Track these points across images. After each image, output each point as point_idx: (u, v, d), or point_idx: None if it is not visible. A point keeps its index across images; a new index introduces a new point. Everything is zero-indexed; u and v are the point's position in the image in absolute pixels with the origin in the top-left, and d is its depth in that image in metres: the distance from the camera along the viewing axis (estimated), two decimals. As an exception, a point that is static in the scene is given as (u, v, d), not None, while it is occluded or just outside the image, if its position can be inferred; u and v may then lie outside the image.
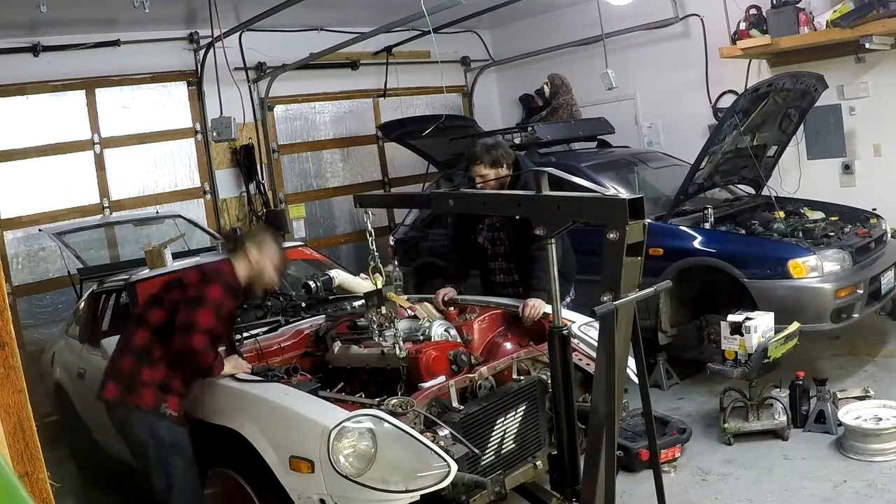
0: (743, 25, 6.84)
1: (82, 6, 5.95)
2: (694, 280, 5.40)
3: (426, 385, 3.39)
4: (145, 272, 4.53)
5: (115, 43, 6.87)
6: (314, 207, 8.38)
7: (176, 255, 4.86)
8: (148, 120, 7.25)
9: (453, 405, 3.28)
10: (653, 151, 7.27)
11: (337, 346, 3.84)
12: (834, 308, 4.83)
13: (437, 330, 3.75)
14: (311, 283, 4.39)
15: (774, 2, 6.62)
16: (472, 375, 3.49)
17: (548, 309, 3.80)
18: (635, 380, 3.34)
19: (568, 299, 4.46)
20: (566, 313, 3.80)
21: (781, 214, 5.67)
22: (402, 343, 3.46)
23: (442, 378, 3.47)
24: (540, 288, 3.96)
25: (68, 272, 5.79)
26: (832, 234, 5.32)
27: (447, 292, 4.31)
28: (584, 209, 2.43)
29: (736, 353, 4.29)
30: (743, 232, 5.47)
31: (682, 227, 5.49)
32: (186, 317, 3.31)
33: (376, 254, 3.51)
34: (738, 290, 5.05)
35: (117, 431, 3.53)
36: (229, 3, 6.39)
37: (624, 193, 2.69)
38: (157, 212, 6.79)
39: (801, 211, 5.94)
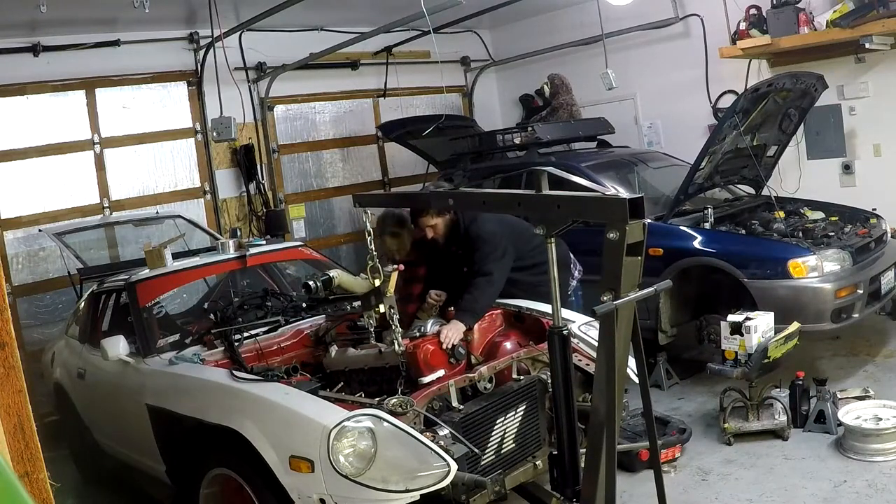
0: (743, 25, 6.84)
1: (82, 6, 5.94)
2: (694, 280, 5.41)
3: (426, 380, 3.40)
4: (145, 272, 4.52)
5: (115, 43, 6.87)
6: (314, 207, 8.37)
7: (176, 256, 4.86)
8: (148, 120, 7.24)
9: (453, 405, 3.29)
10: (653, 151, 7.27)
11: (333, 350, 3.84)
12: (834, 308, 4.82)
13: (433, 328, 3.75)
14: (311, 283, 4.39)
15: (774, 2, 6.62)
16: (472, 375, 3.49)
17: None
18: (635, 380, 3.34)
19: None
20: (566, 313, 3.80)
21: (781, 214, 5.67)
22: (400, 339, 3.47)
23: (441, 372, 3.47)
24: (464, 308, 3.93)
25: (68, 272, 5.79)
26: (832, 234, 5.31)
27: (439, 293, 4.35)
28: (584, 209, 2.43)
29: (736, 353, 4.29)
30: (743, 232, 5.47)
31: (682, 227, 5.48)
32: None
33: (375, 253, 3.51)
34: (738, 290, 5.05)
35: None
36: (229, 3, 6.38)
37: (624, 193, 2.69)
38: (157, 212, 6.78)
39: (801, 211, 5.93)
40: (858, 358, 5.51)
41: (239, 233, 7.16)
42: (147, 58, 7.11)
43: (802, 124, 6.34)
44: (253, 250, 4.76)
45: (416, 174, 8.58)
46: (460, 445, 3.03)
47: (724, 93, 7.44)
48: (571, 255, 4.93)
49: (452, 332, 3.66)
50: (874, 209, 5.94)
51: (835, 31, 6.19)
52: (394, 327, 3.51)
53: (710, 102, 7.56)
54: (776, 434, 4.42)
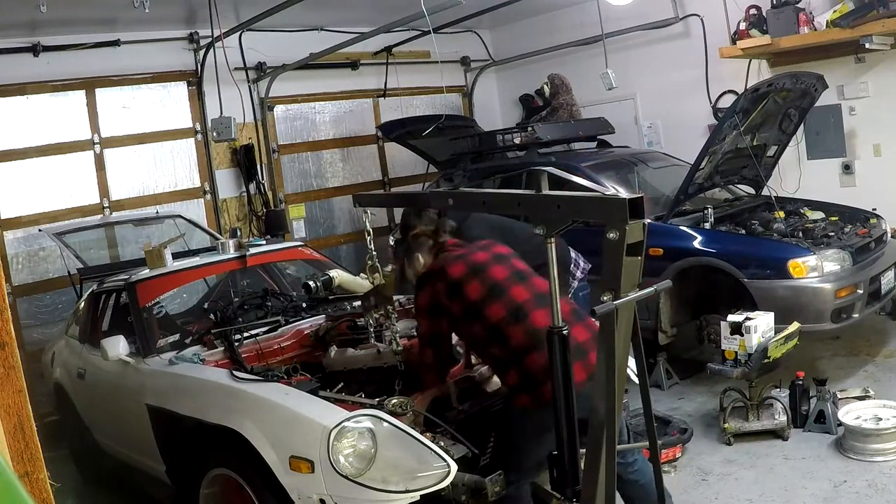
0: (743, 25, 6.84)
1: (82, 6, 5.94)
2: (694, 280, 5.40)
3: None
4: (145, 272, 4.52)
5: (115, 43, 6.87)
6: (314, 207, 8.38)
7: (176, 255, 4.86)
8: (148, 120, 7.24)
9: (453, 405, 3.29)
10: (653, 151, 7.27)
11: (333, 350, 3.84)
12: (834, 308, 4.82)
13: None
14: (311, 283, 4.40)
15: (774, 2, 6.62)
16: (472, 375, 3.49)
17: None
18: (635, 380, 3.34)
19: None
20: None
21: (781, 214, 5.67)
22: (398, 339, 3.47)
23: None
24: None
25: (68, 272, 5.79)
26: (832, 234, 5.31)
27: None
28: (583, 208, 2.43)
29: (736, 353, 4.29)
30: (743, 232, 5.47)
31: (682, 227, 5.49)
32: None
33: (374, 253, 3.51)
34: (738, 290, 5.05)
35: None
36: (229, 3, 6.38)
37: (624, 193, 2.69)
38: (157, 212, 6.78)
39: (801, 211, 5.94)
40: (858, 358, 5.51)
41: (239, 233, 7.17)
42: (147, 58, 7.11)
43: (802, 124, 6.34)
44: (253, 250, 4.76)
45: (416, 174, 8.58)
46: (460, 446, 3.03)
47: (724, 93, 7.44)
48: (573, 254, 4.88)
49: None
50: (874, 209, 5.94)
51: (835, 31, 6.19)
52: (392, 327, 3.51)
53: (710, 102, 7.56)
54: (776, 434, 4.42)
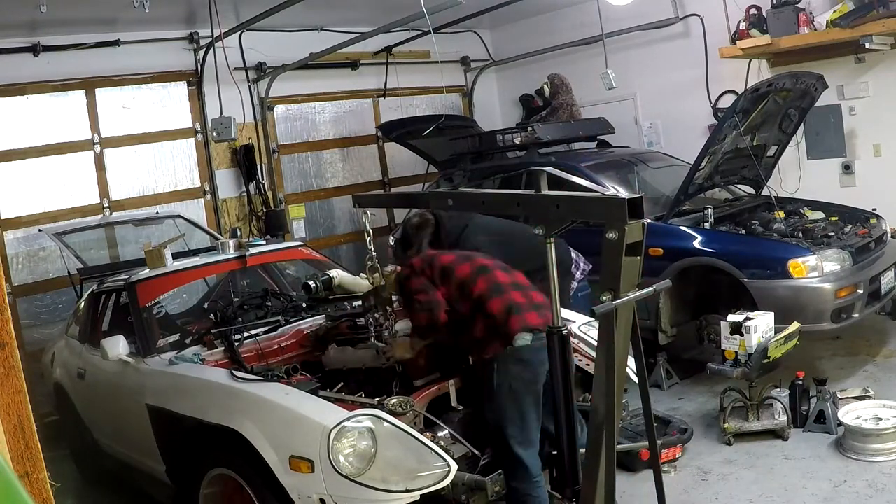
0: (743, 25, 6.84)
1: (82, 6, 5.94)
2: (694, 280, 5.40)
3: (420, 382, 3.40)
4: (145, 272, 4.52)
5: (115, 43, 6.87)
6: (314, 207, 8.38)
7: (176, 255, 4.86)
8: (148, 120, 7.24)
9: (453, 405, 3.29)
10: (653, 151, 7.28)
11: (332, 349, 3.84)
12: (834, 308, 4.83)
13: None
14: (311, 283, 4.39)
15: (774, 2, 6.62)
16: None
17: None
18: (635, 380, 3.34)
19: None
20: (565, 313, 3.80)
21: (781, 214, 5.67)
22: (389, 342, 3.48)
23: (437, 374, 3.47)
24: None
25: (68, 272, 5.79)
26: (832, 234, 5.32)
27: None
28: (582, 209, 2.43)
29: (736, 353, 4.29)
30: (743, 232, 5.47)
31: (682, 227, 5.48)
32: None
33: (374, 253, 3.51)
34: (738, 290, 5.06)
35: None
36: (229, 3, 6.38)
37: (624, 193, 2.69)
38: (157, 212, 6.78)
39: (801, 211, 5.94)
40: (858, 358, 5.51)
41: (239, 233, 7.17)
42: (147, 58, 7.11)
43: (802, 124, 6.34)
44: (253, 250, 4.76)
45: (416, 174, 8.58)
46: (460, 446, 3.04)
47: (724, 93, 7.44)
48: (574, 255, 4.88)
49: None
50: (874, 209, 5.94)
51: (835, 31, 6.19)
52: (391, 328, 3.51)
53: (710, 102, 7.56)
54: (776, 434, 4.42)
